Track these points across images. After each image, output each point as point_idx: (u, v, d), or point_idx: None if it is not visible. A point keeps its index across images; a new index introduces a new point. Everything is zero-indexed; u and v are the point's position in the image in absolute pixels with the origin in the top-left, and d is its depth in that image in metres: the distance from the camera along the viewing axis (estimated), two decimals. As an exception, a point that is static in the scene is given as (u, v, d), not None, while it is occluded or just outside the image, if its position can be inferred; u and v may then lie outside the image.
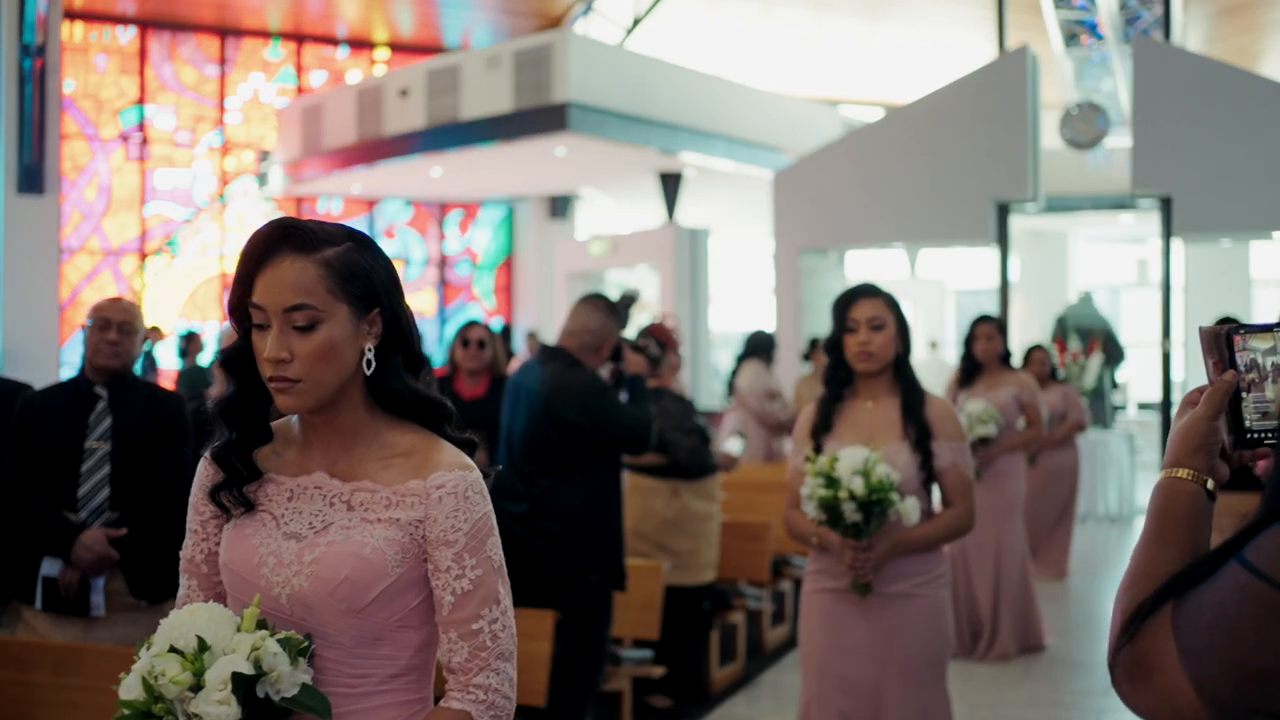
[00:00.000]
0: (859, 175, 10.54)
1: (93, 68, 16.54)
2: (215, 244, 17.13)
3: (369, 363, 1.74)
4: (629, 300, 9.00)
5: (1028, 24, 13.75)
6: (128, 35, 16.73)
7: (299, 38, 17.67)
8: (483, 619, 1.70)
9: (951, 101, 10.28)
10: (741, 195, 15.99)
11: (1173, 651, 1.12)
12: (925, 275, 19.45)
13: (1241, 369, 1.30)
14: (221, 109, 17.27)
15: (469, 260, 18.70)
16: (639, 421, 4.35)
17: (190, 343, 12.65)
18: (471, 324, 5.90)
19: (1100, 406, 12.15)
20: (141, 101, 16.78)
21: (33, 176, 8.14)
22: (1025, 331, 15.38)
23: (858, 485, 3.22)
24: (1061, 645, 6.74)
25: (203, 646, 1.59)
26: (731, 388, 9.40)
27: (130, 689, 1.59)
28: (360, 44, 18.04)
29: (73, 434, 3.66)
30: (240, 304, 1.72)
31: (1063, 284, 18.09)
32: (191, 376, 11.63)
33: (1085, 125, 11.96)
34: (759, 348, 9.07)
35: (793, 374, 10.37)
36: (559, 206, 17.58)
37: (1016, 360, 8.35)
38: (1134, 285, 18.94)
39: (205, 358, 12.25)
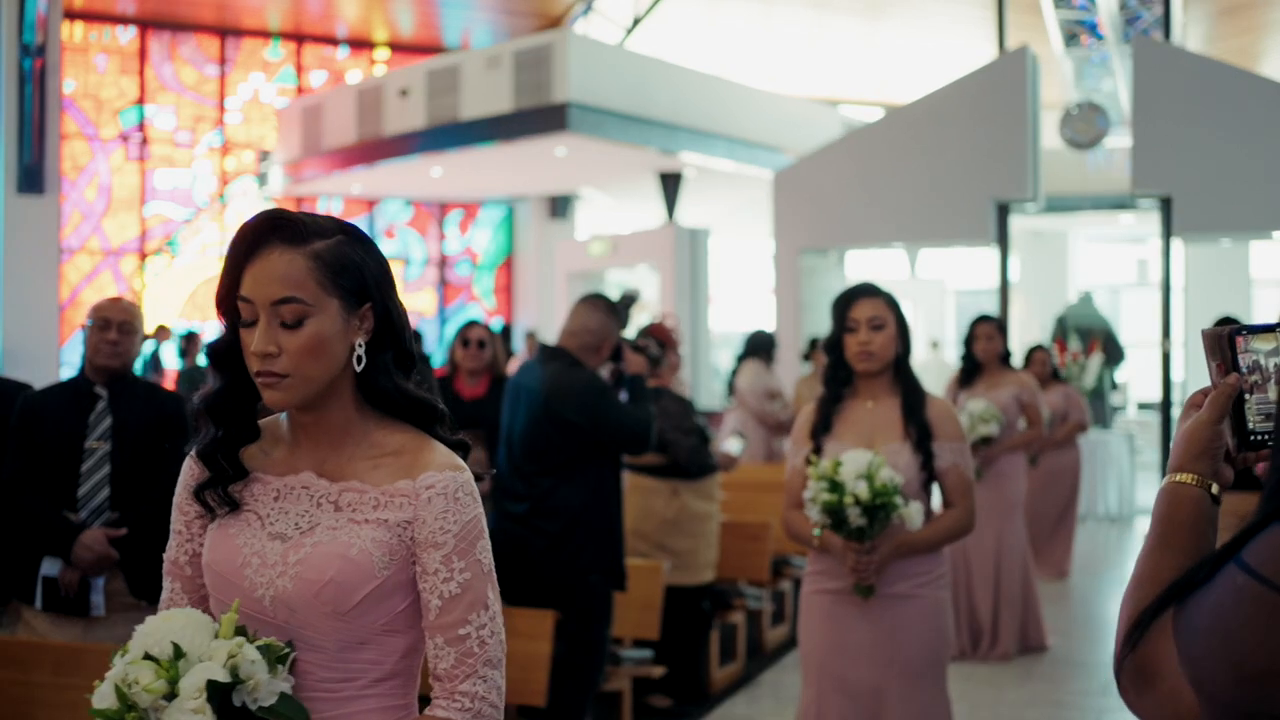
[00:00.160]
0: (859, 175, 10.54)
1: (93, 68, 16.54)
2: (215, 244, 17.12)
3: (359, 359, 1.69)
4: (629, 300, 9.00)
5: (1028, 24, 13.74)
6: (128, 35, 16.73)
7: (299, 38, 17.67)
8: (470, 624, 1.65)
9: (951, 101, 10.28)
10: (741, 195, 15.99)
11: (1174, 656, 1.12)
12: (925, 275, 19.45)
13: (1244, 371, 1.30)
14: (221, 109, 17.28)
15: (469, 260, 18.70)
16: (639, 421, 4.35)
17: (190, 343, 12.66)
18: (471, 324, 5.90)
19: (1100, 406, 12.16)
20: (141, 101, 16.79)
21: (33, 176, 8.14)
22: (1025, 331, 15.38)
23: (862, 490, 3.21)
24: (1062, 645, 6.74)
25: (178, 653, 1.54)
26: (731, 388, 9.40)
27: (103, 697, 1.54)
28: (360, 44, 18.04)
29: (73, 434, 3.66)
30: (228, 297, 1.68)
31: (1063, 284, 18.09)
32: (191, 376, 11.65)
33: (1085, 125, 11.95)
34: (759, 348, 9.07)
35: (793, 374, 10.36)
36: (559, 206, 17.58)
37: (1017, 361, 8.35)
38: (1134, 285, 18.94)
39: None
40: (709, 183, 15.14)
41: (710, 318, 14.82)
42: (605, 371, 4.51)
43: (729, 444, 6.64)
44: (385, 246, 17.96)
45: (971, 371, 6.62)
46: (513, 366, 7.87)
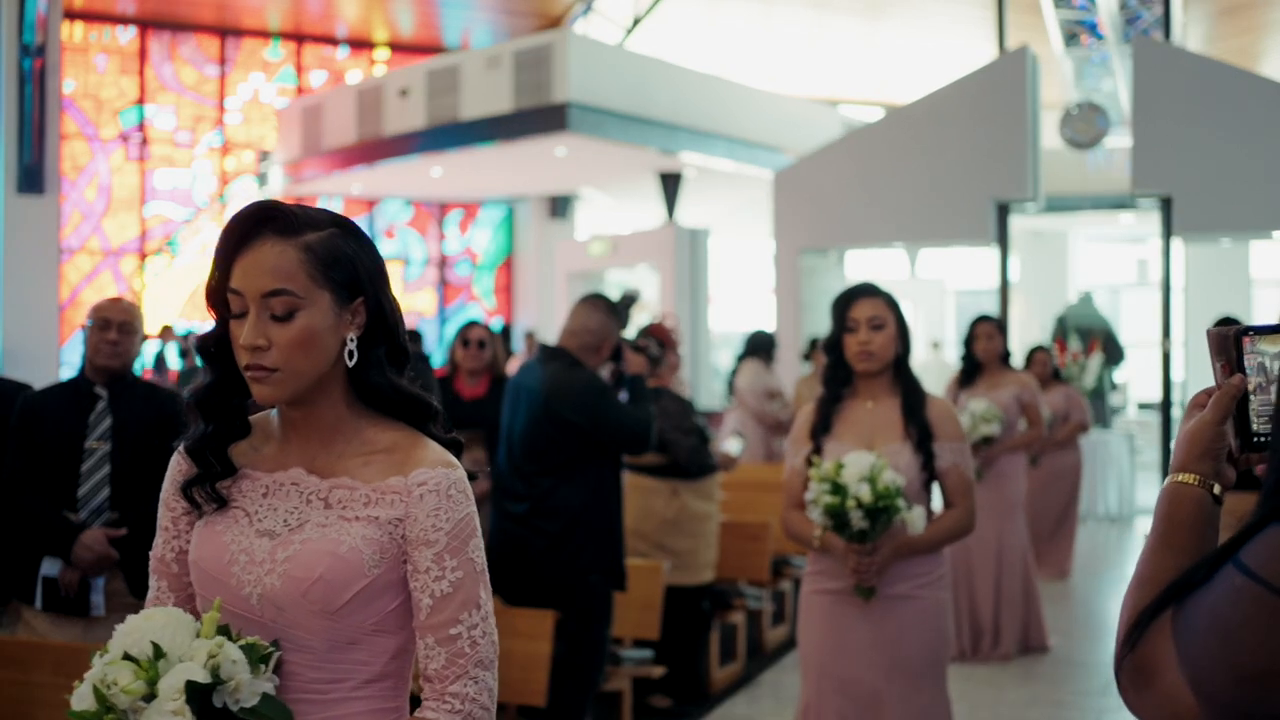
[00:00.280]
0: (859, 175, 10.54)
1: (93, 68, 16.55)
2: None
3: (351, 354, 1.65)
4: (629, 300, 9.00)
5: (1028, 24, 13.75)
6: (128, 35, 16.74)
7: (299, 38, 17.68)
8: (461, 624, 1.62)
9: (951, 101, 10.28)
10: (741, 195, 15.99)
11: (1173, 656, 1.12)
12: (925, 275, 19.45)
13: (1249, 372, 1.29)
14: (221, 109, 17.28)
15: (469, 260, 18.71)
16: (639, 421, 4.35)
17: (190, 343, 12.66)
18: (471, 324, 5.90)
19: (1100, 406, 12.16)
20: (141, 101, 16.79)
21: (33, 176, 8.15)
22: (1025, 331, 15.39)
23: (864, 492, 3.20)
24: (1062, 645, 6.74)
25: (158, 653, 1.50)
26: (731, 387, 9.40)
27: (82, 698, 1.50)
28: (360, 44, 18.04)
29: (73, 434, 3.66)
30: (218, 289, 1.64)
31: (1063, 284, 18.09)
32: (191, 377, 11.64)
33: (1085, 125, 11.96)
34: (759, 347, 9.08)
35: (793, 374, 10.37)
36: (559, 206, 17.58)
37: (1018, 361, 8.35)
38: (1134, 285, 18.94)
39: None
40: (709, 183, 15.14)
41: (710, 318, 14.82)
42: (605, 371, 4.51)
43: (728, 444, 6.65)
44: (385, 246, 17.99)
45: (972, 371, 6.62)
46: (512, 366, 7.88)
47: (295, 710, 1.57)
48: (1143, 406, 15.62)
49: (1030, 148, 10.04)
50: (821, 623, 3.44)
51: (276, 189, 16.75)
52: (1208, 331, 1.35)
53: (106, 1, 16.24)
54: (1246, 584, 1.04)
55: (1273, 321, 1.30)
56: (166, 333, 13.58)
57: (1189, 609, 1.11)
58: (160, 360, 12.92)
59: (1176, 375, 10.40)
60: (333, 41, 17.94)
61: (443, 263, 18.57)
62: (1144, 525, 10.70)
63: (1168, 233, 9.72)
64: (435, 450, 1.68)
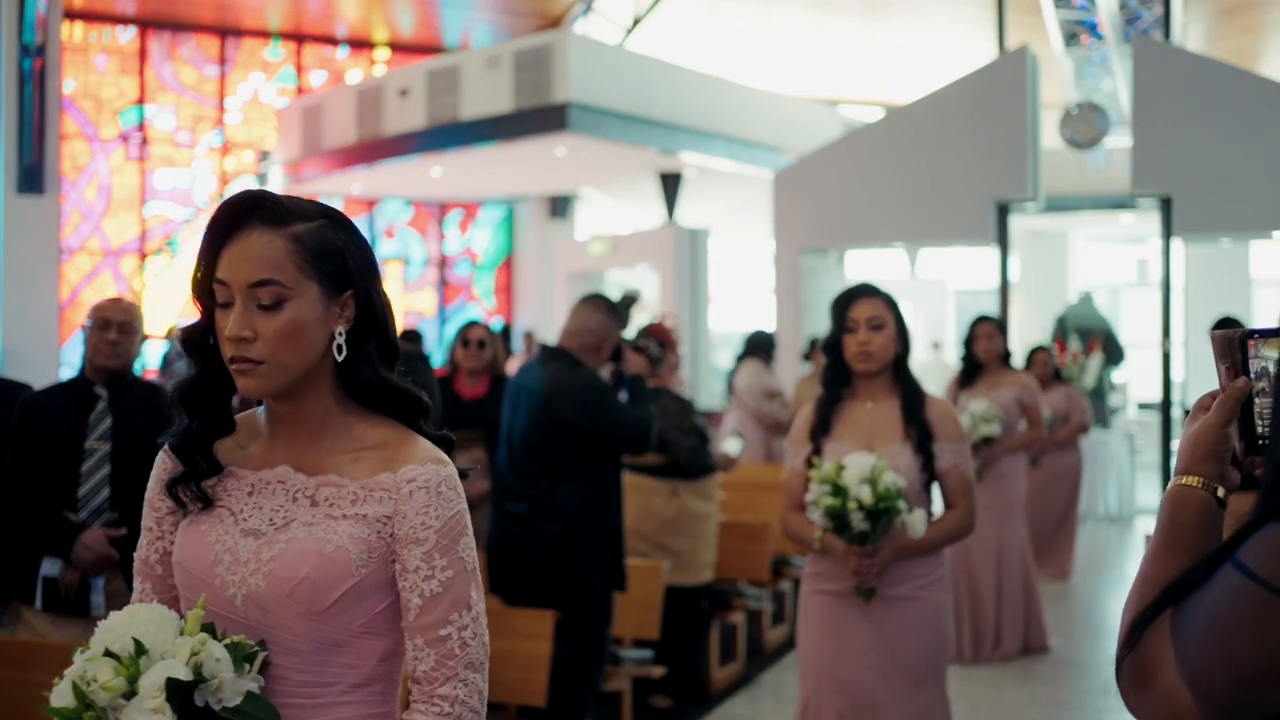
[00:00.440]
0: (859, 175, 10.54)
1: (93, 68, 16.54)
2: (215, 244, 17.09)
3: (339, 348, 1.61)
4: (629, 300, 9.00)
5: (1028, 24, 13.74)
6: (128, 35, 16.73)
7: (299, 38, 17.67)
8: (451, 624, 1.58)
9: (951, 101, 10.28)
10: (741, 195, 15.98)
11: (1172, 657, 1.12)
12: (925, 275, 19.45)
13: (1254, 375, 1.29)
14: (221, 109, 17.27)
15: (469, 260, 18.70)
16: (639, 421, 4.36)
17: (174, 336, 12.64)
18: (472, 324, 5.90)
19: (1100, 406, 12.16)
20: (141, 101, 16.78)
21: (33, 176, 8.15)
22: (1025, 331, 15.38)
23: (865, 494, 3.20)
24: (1063, 645, 6.74)
25: (140, 650, 1.46)
26: (731, 387, 9.40)
27: (61, 695, 1.47)
28: (360, 44, 18.03)
29: (73, 434, 3.66)
30: (204, 280, 1.60)
31: (1063, 284, 18.09)
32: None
33: (1085, 125, 11.95)
34: (758, 347, 9.08)
35: (793, 374, 10.37)
36: (559, 206, 17.58)
37: (1019, 361, 8.35)
38: (1134, 285, 18.94)
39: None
40: (709, 183, 15.14)
41: (710, 318, 14.82)
42: (605, 372, 4.51)
43: (727, 444, 6.65)
44: (385, 246, 18.01)
45: (972, 372, 6.62)
46: (512, 366, 7.87)
47: (284, 715, 1.54)
48: (1143, 406, 15.62)
49: (1030, 148, 10.03)
50: (821, 623, 3.44)
51: (276, 189, 16.69)
52: (1212, 334, 1.34)
53: (106, 1, 16.23)
54: (1245, 583, 1.04)
55: (1275, 325, 1.30)
56: (173, 334, 13.57)
57: (1187, 609, 1.11)
58: (167, 362, 12.91)
59: (1176, 375, 10.40)
60: (333, 41, 17.93)
61: (443, 263, 18.56)
62: (1144, 525, 10.70)
63: (1168, 233, 9.72)
64: (425, 447, 1.64)
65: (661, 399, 5.43)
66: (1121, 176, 11.76)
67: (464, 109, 13.48)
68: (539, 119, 12.76)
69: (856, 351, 3.41)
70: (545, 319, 16.76)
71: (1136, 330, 15.84)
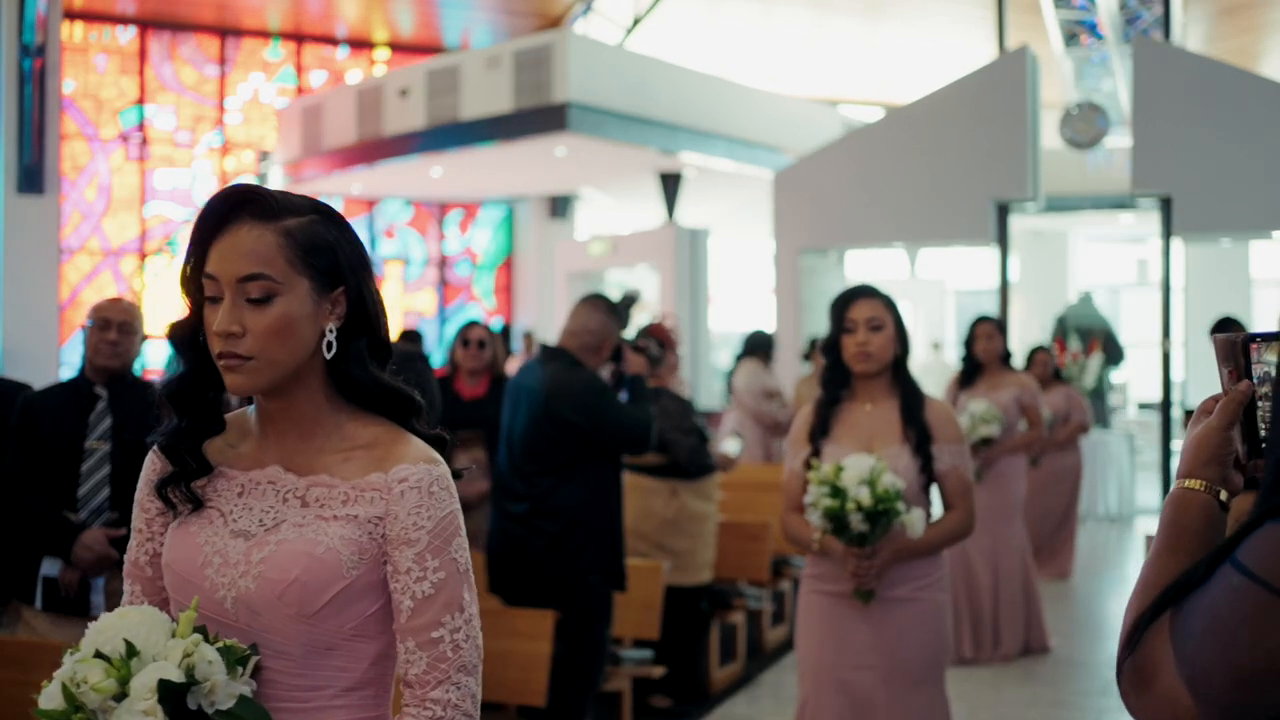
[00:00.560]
0: (859, 175, 10.54)
1: (93, 68, 16.54)
2: (215, 244, 17.08)
3: (330, 345, 1.58)
4: (629, 300, 9.00)
5: (1028, 24, 13.74)
6: (128, 35, 16.73)
7: (299, 38, 17.67)
8: (444, 627, 1.55)
9: (951, 101, 10.28)
10: (741, 195, 15.98)
11: (1172, 657, 1.12)
12: (925, 275, 19.45)
13: (1257, 379, 1.29)
14: (221, 109, 17.27)
15: (469, 260, 18.70)
16: (639, 421, 4.36)
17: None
18: (472, 324, 5.90)
19: (1100, 406, 12.16)
20: (141, 101, 16.78)
21: (33, 176, 8.14)
22: (1025, 331, 15.38)
23: (864, 496, 3.20)
24: (1063, 646, 6.74)
25: (131, 652, 1.44)
26: (730, 387, 9.40)
27: (50, 697, 1.45)
28: (360, 44, 18.03)
29: (73, 434, 3.66)
30: (194, 274, 1.57)
31: (1063, 284, 18.09)
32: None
33: (1085, 125, 11.95)
34: (757, 347, 9.08)
35: (793, 374, 10.37)
36: (559, 206, 17.58)
37: (1019, 362, 8.35)
38: (1134, 285, 18.94)
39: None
40: (709, 183, 15.14)
41: (710, 318, 14.82)
42: (605, 372, 4.51)
43: (726, 444, 6.65)
44: (385, 246, 18.01)
45: (972, 372, 6.62)
46: (512, 366, 7.87)
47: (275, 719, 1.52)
48: (1143, 407, 15.61)
49: (1030, 148, 10.04)
50: (820, 623, 3.44)
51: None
52: (1214, 337, 1.34)
53: (106, 1, 16.23)
54: (1244, 583, 1.04)
55: (1277, 329, 1.30)
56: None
57: (1187, 610, 1.10)
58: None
59: (1176, 375, 10.40)
60: (333, 41, 17.93)
61: (443, 263, 18.56)
62: (1144, 525, 10.69)
63: (1167, 233, 9.72)
64: (418, 446, 1.62)
65: (661, 399, 5.43)
66: (1121, 176, 11.76)
67: (464, 109, 13.48)
68: (539, 119, 12.76)
69: (855, 352, 3.40)
70: (545, 319, 16.76)
71: (1136, 330, 15.84)
